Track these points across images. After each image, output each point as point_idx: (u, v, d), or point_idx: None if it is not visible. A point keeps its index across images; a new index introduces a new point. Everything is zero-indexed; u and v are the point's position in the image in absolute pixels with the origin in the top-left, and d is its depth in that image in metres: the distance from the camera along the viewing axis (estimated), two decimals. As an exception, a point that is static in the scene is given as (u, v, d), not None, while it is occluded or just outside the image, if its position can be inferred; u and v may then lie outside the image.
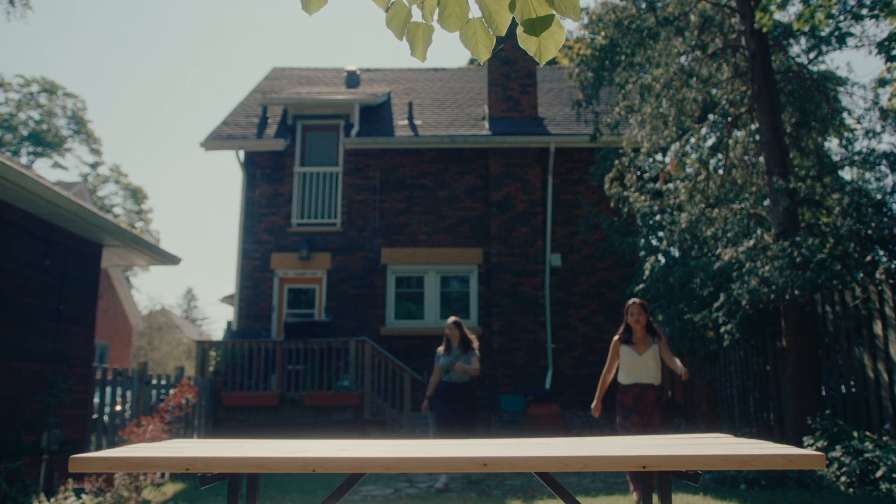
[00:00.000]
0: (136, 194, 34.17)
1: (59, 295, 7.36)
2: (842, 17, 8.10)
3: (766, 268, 7.59)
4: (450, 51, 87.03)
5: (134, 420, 7.62)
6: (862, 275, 7.86)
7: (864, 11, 7.66)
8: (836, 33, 8.55)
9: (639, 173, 11.07)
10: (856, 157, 8.89)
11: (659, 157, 11.53)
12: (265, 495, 6.87)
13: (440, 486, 7.11)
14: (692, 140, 10.68)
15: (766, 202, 9.56)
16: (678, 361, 5.60)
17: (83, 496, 6.12)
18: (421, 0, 1.88)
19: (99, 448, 7.97)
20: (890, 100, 9.13)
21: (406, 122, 13.49)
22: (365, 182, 12.91)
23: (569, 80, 12.20)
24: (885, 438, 6.45)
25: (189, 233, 76.16)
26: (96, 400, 8.10)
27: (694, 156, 10.73)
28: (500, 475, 8.15)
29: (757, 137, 9.65)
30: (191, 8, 67.63)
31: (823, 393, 7.95)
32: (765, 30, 8.04)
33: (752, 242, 8.62)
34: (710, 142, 11.04)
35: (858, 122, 9.78)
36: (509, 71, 13.54)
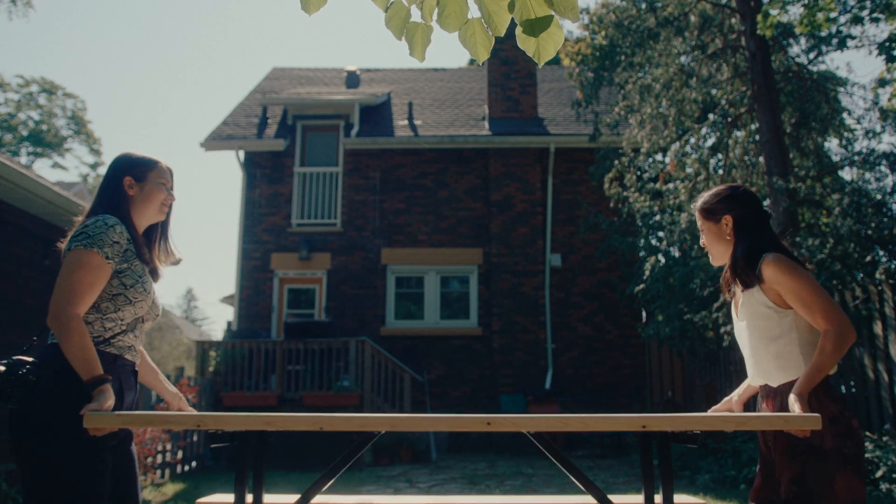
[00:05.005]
0: (137, 194, 34.18)
1: (59, 295, 7.36)
2: (842, 20, 8.09)
3: (766, 268, 7.58)
4: (450, 51, 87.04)
5: (134, 420, 7.61)
6: (862, 275, 7.86)
7: (865, 13, 7.65)
8: (837, 36, 8.56)
9: (638, 173, 11.07)
10: (856, 158, 8.89)
11: (659, 157, 11.53)
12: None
13: None
14: (692, 140, 10.68)
15: (766, 202, 9.56)
16: (832, 326, 2.15)
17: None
18: (420, 0, 1.88)
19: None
20: (890, 100, 9.12)
21: (406, 122, 13.49)
22: (365, 182, 12.91)
23: (569, 80, 12.20)
24: (885, 439, 6.45)
25: (189, 233, 76.09)
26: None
27: (694, 156, 10.73)
28: (501, 475, 8.15)
29: (757, 138, 9.65)
30: (191, 8, 67.65)
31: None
32: (767, 34, 8.04)
33: (752, 243, 8.61)
34: (709, 142, 11.04)
35: (858, 122, 9.78)
36: (509, 71, 13.55)
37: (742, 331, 2.40)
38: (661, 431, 2.16)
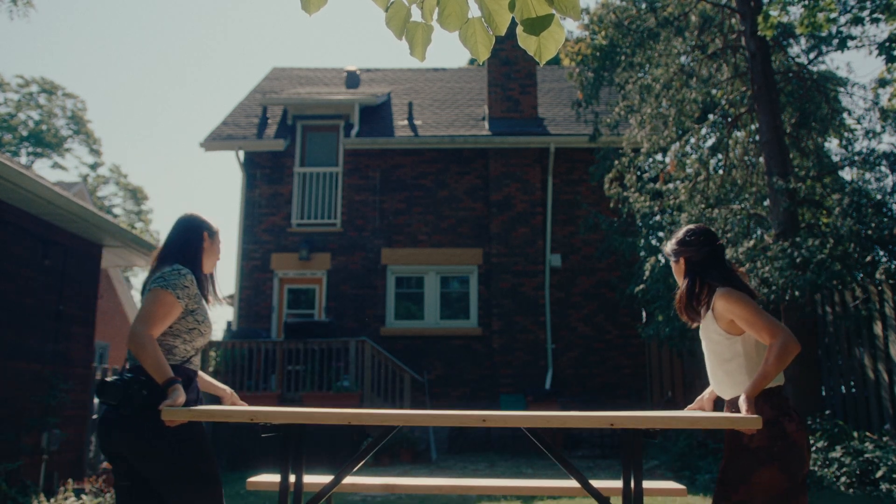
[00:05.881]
0: (136, 194, 34.18)
1: (59, 295, 7.36)
2: (842, 20, 8.08)
3: (766, 268, 7.59)
4: (450, 51, 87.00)
5: (134, 420, 7.62)
6: (862, 275, 7.86)
7: (865, 14, 7.64)
8: (838, 36, 8.55)
9: (638, 173, 11.07)
10: (856, 158, 8.89)
11: (659, 157, 11.52)
12: (267, 496, 6.87)
13: None
14: (692, 140, 10.67)
15: (766, 202, 9.56)
16: (776, 339, 2.52)
17: (83, 496, 6.12)
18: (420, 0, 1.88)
19: (99, 449, 7.97)
20: (890, 100, 9.12)
21: (406, 122, 13.49)
22: (365, 182, 12.91)
23: (569, 80, 12.20)
24: (885, 439, 6.45)
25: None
26: (96, 400, 8.11)
27: (694, 156, 10.72)
28: (501, 475, 8.15)
29: (757, 138, 9.65)
30: (191, 8, 67.61)
31: (823, 393, 7.95)
32: (768, 35, 8.03)
33: (752, 243, 8.61)
34: (710, 142, 11.03)
35: (858, 122, 9.77)
36: (509, 71, 13.54)
37: (704, 349, 2.82)
38: (630, 430, 2.53)
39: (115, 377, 2.61)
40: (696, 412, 2.89)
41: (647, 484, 3.30)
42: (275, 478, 3.09)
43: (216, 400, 3.14)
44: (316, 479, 3.13)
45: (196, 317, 2.78)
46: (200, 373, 2.94)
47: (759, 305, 2.64)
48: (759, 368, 2.54)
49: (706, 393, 2.95)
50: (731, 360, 2.68)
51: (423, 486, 3.31)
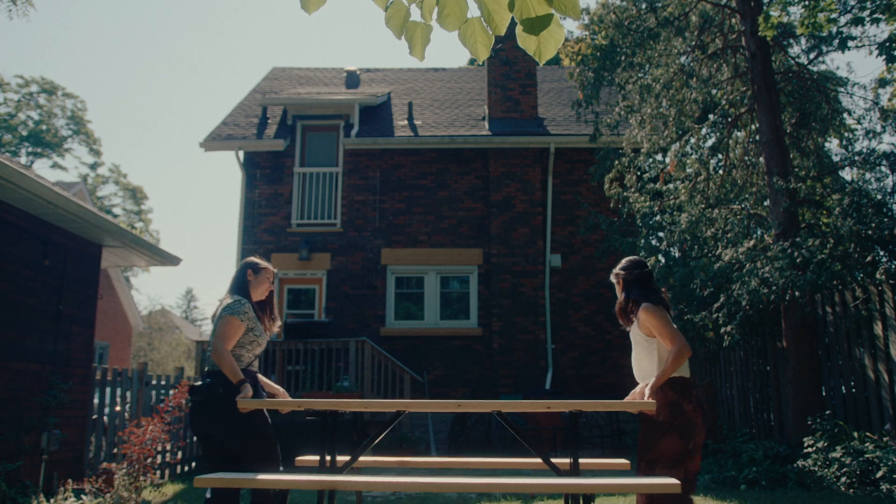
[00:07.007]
0: (136, 194, 34.17)
1: (59, 295, 7.35)
2: (843, 21, 8.07)
3: (767, 268, 7.58)
4: (450, 51, 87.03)
5: (134, 420, 7.61)
6: (862, 275, 7.85)
7: (865, 14, 7.63)
8: (838, 36, 8.54)
9: (639, 174, 11.06)
10: (856, 158, 8.88)
11: (659, 157, 11.52)
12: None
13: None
14: (692, 140, 10.67)
15: (767, 202, 9.55)
16: (674, 346, 3.42)
17: (83, 497, 6.11)
18: (420, -1, 1.87)
19: (99, 449, 7.96)
20: (890, 100, 9.12)
21: (406, 122, 13.49)
22: (365, 182, 12.91)
23: (569, 80, 12.19)
24: (885, 439, 6.45)
25: (189, 233, 76.12)
26: (96, 400, 8.09)
27: (694, 156, 10.72)
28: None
29: (757, 138, 9.64)
30: (190, 8, 67.60)
31: (824, 393, 7.94)
32: (769, 35, 8.02)
33: (752, 243, 8.61)
34: (710, 142, 11.03)
35: (859, 122, 9.76)
36: (509, 71, 13.54)
37: (633, 349, 3.68)
38: (569, 411, 3.41)
39: (200, 381, 3.76)
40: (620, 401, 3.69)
41: (597, 459, 4.21)
42: (315, 457, 4.04)
43: (270, 396, 4.09)
44: (343, 457, 3.96)
45: (254, 332, 3.91)
46: (260, 375, 4.03)
47: (670, 318, 3.52)
48: (660, 367, 3.43)
49: (637, 388, 3.70)
50: (648, 355, 3.54)
51: (433, 462, 4.27)
